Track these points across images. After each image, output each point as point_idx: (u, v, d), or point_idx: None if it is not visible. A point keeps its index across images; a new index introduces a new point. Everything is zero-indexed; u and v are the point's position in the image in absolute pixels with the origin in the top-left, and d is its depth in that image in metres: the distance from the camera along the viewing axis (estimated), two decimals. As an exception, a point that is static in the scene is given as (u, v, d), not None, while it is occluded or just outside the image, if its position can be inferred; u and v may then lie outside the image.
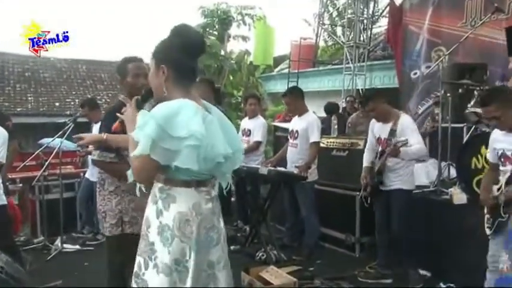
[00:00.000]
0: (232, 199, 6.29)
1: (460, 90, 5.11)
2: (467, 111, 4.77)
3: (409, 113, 8.01)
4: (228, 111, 14.89)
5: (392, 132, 4.05)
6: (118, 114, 1.90)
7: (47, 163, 5.23)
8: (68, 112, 15.93)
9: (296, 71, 12.39)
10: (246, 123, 6.02)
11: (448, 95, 5.09)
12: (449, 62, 6.59)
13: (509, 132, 3.09)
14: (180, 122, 1.76)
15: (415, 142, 3.97)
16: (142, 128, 1.77)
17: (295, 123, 5.07)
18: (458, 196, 4.20)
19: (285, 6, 35.16)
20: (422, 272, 4.23)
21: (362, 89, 10.45)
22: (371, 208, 4.25)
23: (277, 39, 15.49)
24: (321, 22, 13.83)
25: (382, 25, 12.94)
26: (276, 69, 15.77)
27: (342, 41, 12.70)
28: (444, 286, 3.99)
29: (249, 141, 5.87)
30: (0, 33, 37.83)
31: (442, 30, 7.87)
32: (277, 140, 6.96)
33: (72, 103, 17.32)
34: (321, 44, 15.72)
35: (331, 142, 5.70)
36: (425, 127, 6.31)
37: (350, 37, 11.70)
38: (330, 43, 16.42)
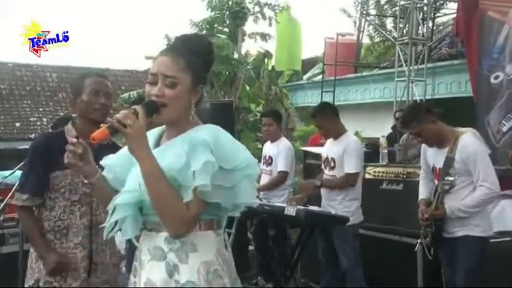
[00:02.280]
0: (250, 247, 6.35)
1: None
2: None
3: (489, 131, 8.04)
4: (244, 132, 15.11)
5: (449, 162, 4.06)
6: (110, 120, 1.95)
7: (2, 205, 5.27)
8: (32, 135, 16.29)
9: (332, 78, 12.50)
10: (267, 148, 6.14)
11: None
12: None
13: None
14: (227, 150, 1.96)
15: (481, 178, 3.95)
16: (193, 156, 1.92)
17: (330, 148, 5.18)
18: None
19: (316, -7, 35.60)
20: None
21: (422, 100, 10.46)
22: (437, 260, 4.27)
23: (306, 36, 15.63)
24: (364, 12, 14.01)
25: (448, 13, 13.00)
26: (306, 76, 15.98)
27: (393, 37, 12.79)
28: None
29: (271, 172, 5.95)
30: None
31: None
32: (309, 169, 7.07)
33: (38, 123, 17.76)
34: (365, 41, 15.91)
35: (380, 172, 5.74)
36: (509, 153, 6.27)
37: (404, 31, 11.80)
38: (377, 40, 16.56)
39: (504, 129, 7.93)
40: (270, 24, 16.02)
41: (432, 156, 4.29)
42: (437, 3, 12.76)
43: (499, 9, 8.37)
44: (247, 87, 16.48)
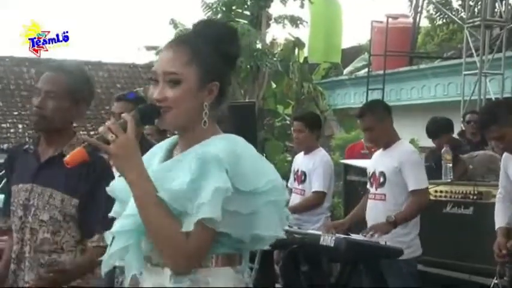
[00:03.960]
0: (278, 286, 6.32)
1: None
2: None
3: None
4: (269, 141, 15.08)
5: None
6: (87, 138, 1.96)
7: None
8: (5, 146, 16.42)
9: (381, 72, 12.44)
10: (299, 161, 6.11)
11: None
12: None
13: None
14: (247, 168, 1.98)
15: None
16: (203, 179, 1.95)
17: (379, 161, 5.15)
18: None
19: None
20: None
21: (499, 99, 10.29)
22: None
23: (347, 20, 15.59)
24: (422, -12, 13.97)
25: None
26: (347, 70, 15.91)
27: (460, 18, 12.69)
28: None
29: (304, 192, 5.90)
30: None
31: None
32: (351, 187, 7.04)
33: (12, 130, 17.93)
34: (423, 24, 15.81)
35: (443, 192, 5.67)
36: None
37: (475, 10, 11.68)
38: (439, 22, 16.44)
39: None
40: (302, 6, 16.07)
41: None
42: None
43: None
44: (274, 85, 16.49)
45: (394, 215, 4.94)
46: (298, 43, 17.03)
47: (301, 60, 17.10)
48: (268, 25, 16.51)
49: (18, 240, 3.17)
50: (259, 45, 15.99)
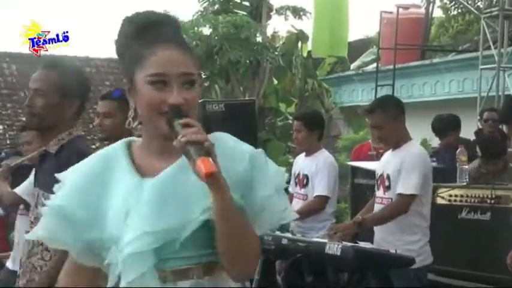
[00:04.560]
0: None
1: None
2: None
3: None
4: (271, 141, 15.11)
5: None
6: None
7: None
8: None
9: (391, 66, 12.51)
10: (301, 163, 6.15)
11: None
12: None
13: None
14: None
15: None
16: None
17: (388, 163, 5.18)
18: None
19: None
20: None
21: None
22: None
23: (354, 11, 15.61)
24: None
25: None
26: (354, 65, 15.96)
27: (477, 8, 12.75)
28: None
29: (306, 197, 5.95)
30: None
31: None
32: (358, 191, 7.11)
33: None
34: (437, 15, 15.86)
35: (457, 196, 5.71)
36: None
37: (492, 0, 11.73)
38: (454, 13, 16.49)
39: None
40: None
41: None
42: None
43: None
44: (275, 81, 16.54)
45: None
46: (301, 36, 17.14)
47: (305, 55, 17.19)
48: (269, 17, 16.66)
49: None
50: (259, 39, 16.21)
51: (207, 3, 16.44)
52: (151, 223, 2.11)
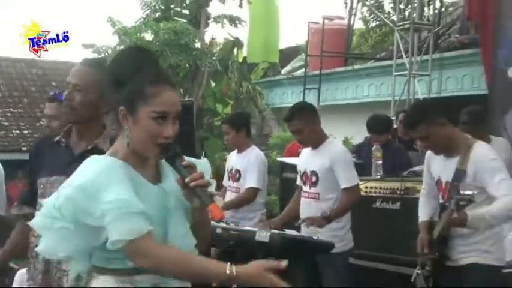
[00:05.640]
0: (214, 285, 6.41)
1: None
2: None
3: (505, 136, 8.23)
4: (209, 140, 15.14)
5: (460, 174, 4.22)
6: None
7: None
8: None
9: (317, 72, 12.69)
10: (233, 159, 6.26)
11: None
12: None
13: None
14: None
15: (501, 192, 4.13)
16: None
17: (310, 161, 5.34)
18: None
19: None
20: None
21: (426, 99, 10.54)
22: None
23: (285, 21, 15.74)
24: (357, -9, 14.26)
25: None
26: (285, 70, 16.12)
27: (392, 21, 13.03)
28: None
29: (239, 190, 6.06)
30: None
31: None
32: (286, 184, 7.20)
33: None
34: (358, 26, 16.12)
35: (372, 188, 5.88)
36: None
37: (406, 14, 12.03)
38: (372, 25, 16.80)
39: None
40: (241, 5, 16.18)
41: (438, 167, 4.42)
42: (445, -19, 12.94)
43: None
44: (213, 84, 16.56)
45: (329, 211, 5.14)
46: (237, 43, 17.14)
47: (240, 60, 17.21)
48: (207, 24, 16.57)
49: None
50: (198, 45, 16.06)
51: (149, 10, 16.31)
52: (186, 226, 2.65)
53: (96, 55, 16.02)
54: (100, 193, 2.39)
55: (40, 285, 3.31)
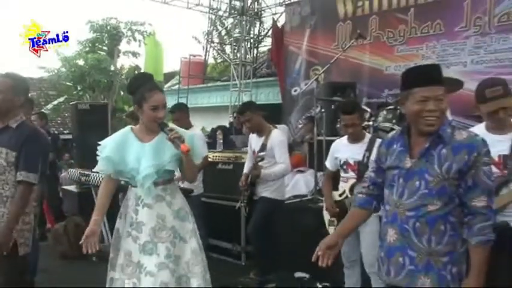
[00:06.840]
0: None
1: (332, 107, 5.49)
2: (338, 125, 5.16)
3: (290, 127, 8.51)
4: (119, 128, 14.45)
5: (264, 147, 4.34)
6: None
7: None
8: None
9: (186, 87, 12.49)
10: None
11: (323, 110, 5.45)
12: (326, 80, 7.08)
13: (352, 142, 3.80)
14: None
15: (281, 160, 4.54)
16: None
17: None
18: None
19: (174, 23, 35.05)
20: (300, 274, 4.46)
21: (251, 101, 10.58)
22: (250, 214, 4.45)
23: (167, 55, 15.28)
24: (209, 40, 14.20)
25: (267, 44, 13.76)
26: (167, 85, 16.18)
27: (230, 59, 12.98)
28: (320, 286, 4.24)
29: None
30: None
31: (318, 51, 9.11)
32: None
33: None
34: (210, 61, 16.60)
35: (217, 156, 5.84)
36: (303, 136, 6.70)
37: (238, 55, 12.03)
38: (218, 60, 16.84)
39: (299, 125, 9.18)
40: (140, 45, 16.35)
41: (254, 142, 4.47)
42: (260, 38, 13.24)
43: (296, 44, 9.59)
44: (122, 93, 15.87)
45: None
46: (137, 68, 16.75)
47: (139, 79, 16.46)
48: (119, 56, 16.01)
49: None
50: (112, 68, 15.39)
51: (82, 46, 15.30)
52: (152, 162, 2.64)
53: (47, 74, 14.90)
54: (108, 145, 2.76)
55: None
